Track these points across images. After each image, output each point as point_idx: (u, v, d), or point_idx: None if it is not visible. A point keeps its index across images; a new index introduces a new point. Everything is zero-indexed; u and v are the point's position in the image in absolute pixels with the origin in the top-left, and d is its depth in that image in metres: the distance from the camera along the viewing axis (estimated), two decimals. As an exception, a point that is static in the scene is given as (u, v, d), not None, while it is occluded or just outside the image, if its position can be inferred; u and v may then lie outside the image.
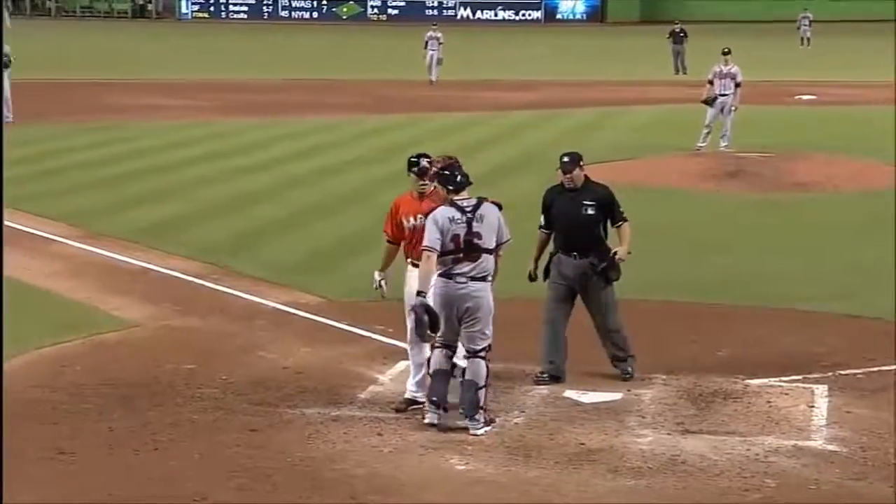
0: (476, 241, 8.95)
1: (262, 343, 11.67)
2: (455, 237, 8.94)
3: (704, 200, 20.21)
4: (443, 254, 8.96)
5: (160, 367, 10.83)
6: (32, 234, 17.07)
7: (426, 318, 8.95)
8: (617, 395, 10.11)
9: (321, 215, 18.91)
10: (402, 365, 10.82)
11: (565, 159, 10.17)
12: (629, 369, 10.34)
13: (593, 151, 26.07)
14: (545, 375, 10.17)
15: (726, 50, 26.03)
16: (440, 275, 8.98)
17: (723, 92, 25.70)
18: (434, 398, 9.13)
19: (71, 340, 11.63)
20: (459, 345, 9.33)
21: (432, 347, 9.19)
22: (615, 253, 10.15)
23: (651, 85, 42.42)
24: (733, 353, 11.15)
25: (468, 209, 9.00)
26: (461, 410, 9.10)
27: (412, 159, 9.49)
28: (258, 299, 13.45)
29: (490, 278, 9.07)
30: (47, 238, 16.78)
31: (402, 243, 9.56)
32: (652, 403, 9.96)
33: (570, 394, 10.14)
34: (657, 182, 22.16)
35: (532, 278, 10.42)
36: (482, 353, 9.07)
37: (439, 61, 41.24)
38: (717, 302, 13.21)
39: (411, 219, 9.47)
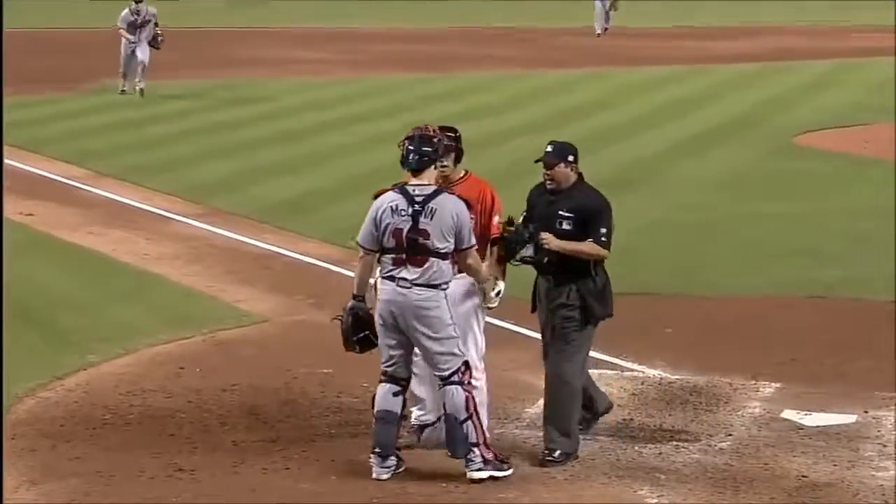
0: (422, 240, 8.44)
1: (412, 344, 11.80)
2: (397, 232, 8.48)
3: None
4: (385, 252, 8.55)
5: (291, 372, 10.96)
6: (146, 211, 17.56)
7: (350, 321, 8.66)
8: (850, 418, 9.82)
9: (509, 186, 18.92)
10: (581, 374, 10.80)
11: (548, 149, 8.98)
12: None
13: (827, 113, 25.49)
14: (555, 453, 8.92)
15: None
16: (383, 277, 8.60)
17: None
18: (377, 449, 8.63)
19: (189, 337, 11.85)
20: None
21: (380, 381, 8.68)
22: (536, 236, 8.85)
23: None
24: None
25: (419, 199, 8.49)
26: (449, 455, 8.64)
27: None
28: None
29: (444, 286, 8.46)
30: (163, 216, 17.19)
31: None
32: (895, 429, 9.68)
33: (789, 414, 9.90)
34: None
35: None
36: (455, 378, 8.51)
37: (612, 6, 40.61)
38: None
39: None
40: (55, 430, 9.52)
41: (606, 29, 41.29)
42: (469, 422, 8.53)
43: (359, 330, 8.75)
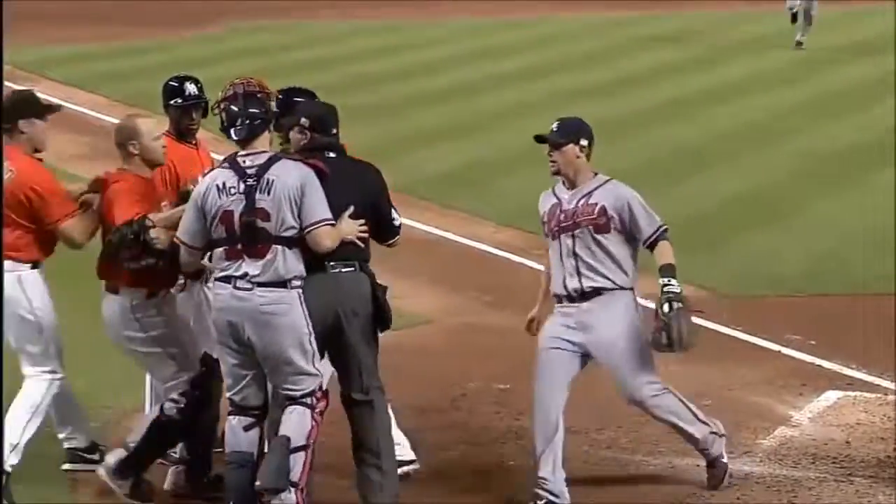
0: (261, 223, 8.20)
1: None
2: (226, 216, 8.22)
3: None
4: (214, 243, 8.29)
5: (459, 386, 10.98)
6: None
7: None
8: None
9: (697, 164, 18.83)
10: (830, 396, 10.64)
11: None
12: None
13: None
14: None
15: None
16: (217, 280, 8.34)
17: None
18: (230, 498, 8.36)
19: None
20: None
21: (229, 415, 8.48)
22: None
23: None
24: None
25: (251, 171, 8.24)
26: (258, 484, 8.29)
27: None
28: (605, 288, 13.60)
29: (296, 282, 8.26)
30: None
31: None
32: None
33: None
34: None
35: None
36: (308, 401, 8.34)
37: (808, 18, 29.18)
38: None
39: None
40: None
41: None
42: (301, 453, 8.27)
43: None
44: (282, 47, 28.68)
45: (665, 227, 8.96)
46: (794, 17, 26.82)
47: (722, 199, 16.90)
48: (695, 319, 8.90)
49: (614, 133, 20.32)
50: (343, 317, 8.50)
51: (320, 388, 8.39)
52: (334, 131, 8.71)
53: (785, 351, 11.66)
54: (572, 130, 9.07)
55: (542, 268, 14.09)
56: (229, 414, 8.44)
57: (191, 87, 9.40)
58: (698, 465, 9.43)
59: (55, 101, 9.29)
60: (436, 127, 21.02)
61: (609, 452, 9.74)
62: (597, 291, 8.92)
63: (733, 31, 30.42)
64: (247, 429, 8.38)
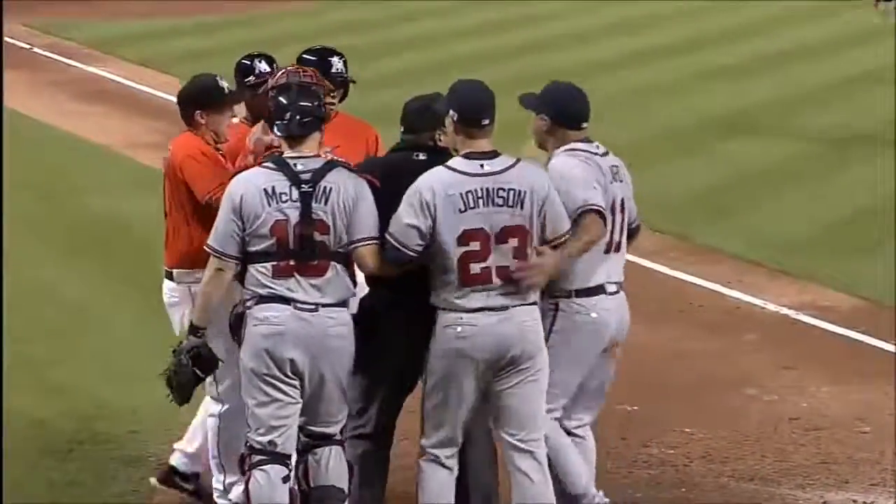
0: (319, 237, 7.95)
1: (753, 372, 11.59)
2: (278, 227, 7.93)
3: None
4: (255, 257, 8.00)
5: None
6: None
7: (190, 369, 8.13)
8: None
9: (856, 155, 18.62)
10: None
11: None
12: None
13: None
14: None
15: None
16: (266, 298, 8.00)
17: None
18: None
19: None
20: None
21: (241, 464, 8.18)
22: None
23: None
24: None
25: (305, 176, 7.97)
26: None
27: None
28: (746, 296, 13.45)
29: (348, 302, 8.06)
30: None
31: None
32: None
33: None
34: None
35: None
36: (339, 436, 8.17)
37: None
38: None
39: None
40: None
41: None
42: (349, 500, 8.10)
43: (201, 377, 8.22)
44: (381, 22, 28.84)
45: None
46: None
47: (883, 194, 16.65)
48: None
49: (749, 118, 20.22)
50: None
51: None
52: (424, 129, 8.33)
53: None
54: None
55: (675, 273, 14.18)
56: (260, 465, 8.04)
57: (262, 67, 9.29)
58: (854, 501, 9.26)
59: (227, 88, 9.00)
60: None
61: (751, 484, 9.59)
62: None
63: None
64: (285, 480, 8.06)
